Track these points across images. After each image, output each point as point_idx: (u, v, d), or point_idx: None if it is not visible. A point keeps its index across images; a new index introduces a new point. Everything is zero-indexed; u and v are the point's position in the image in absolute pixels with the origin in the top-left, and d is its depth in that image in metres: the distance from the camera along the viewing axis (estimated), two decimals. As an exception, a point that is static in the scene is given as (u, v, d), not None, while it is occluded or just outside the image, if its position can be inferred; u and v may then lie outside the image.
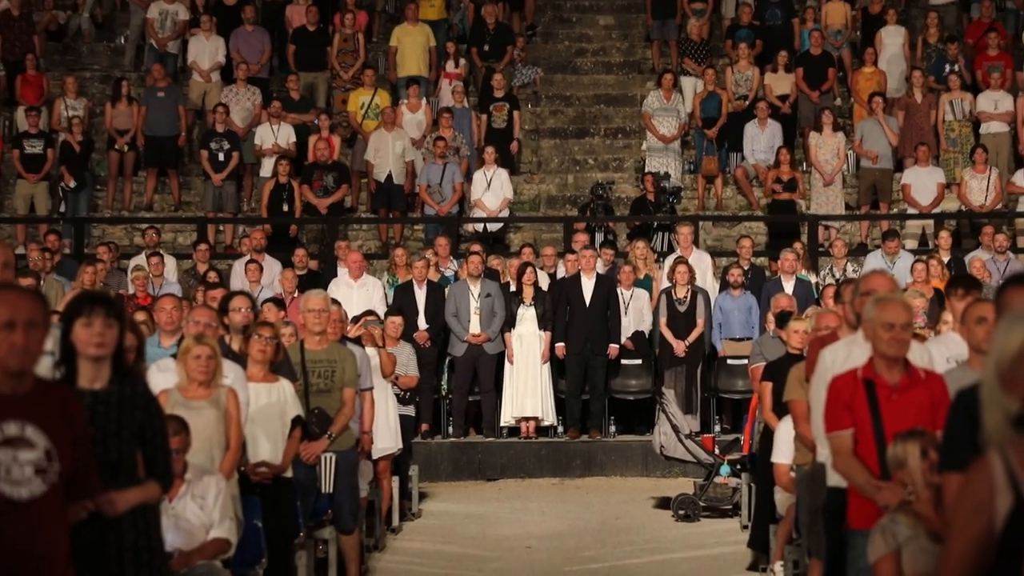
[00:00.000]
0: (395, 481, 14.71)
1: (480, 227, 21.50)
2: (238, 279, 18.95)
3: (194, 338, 9.40)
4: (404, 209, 22.03)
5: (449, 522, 15.61)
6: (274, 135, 22.04)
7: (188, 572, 8.38)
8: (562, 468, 18.10)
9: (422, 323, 18.00)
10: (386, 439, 13.95)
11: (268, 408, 10.22)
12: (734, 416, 18.30)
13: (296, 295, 16.81)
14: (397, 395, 15.02)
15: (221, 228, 22.10)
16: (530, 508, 16.34)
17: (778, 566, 11.45)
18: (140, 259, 19.56)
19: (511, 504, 16.63)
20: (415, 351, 16.17)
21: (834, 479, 8.02)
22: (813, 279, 19.00)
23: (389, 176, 21.75)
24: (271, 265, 19.39)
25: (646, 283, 18.91)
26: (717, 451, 15.92)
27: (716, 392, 18.45)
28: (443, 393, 18.49)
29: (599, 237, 20.86)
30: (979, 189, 21.17)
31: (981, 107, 22.14)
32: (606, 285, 18.31)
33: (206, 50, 23.41)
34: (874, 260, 19.13)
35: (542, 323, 18.12)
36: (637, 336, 18.42)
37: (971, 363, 7.63)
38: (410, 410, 15.65)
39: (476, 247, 19.26)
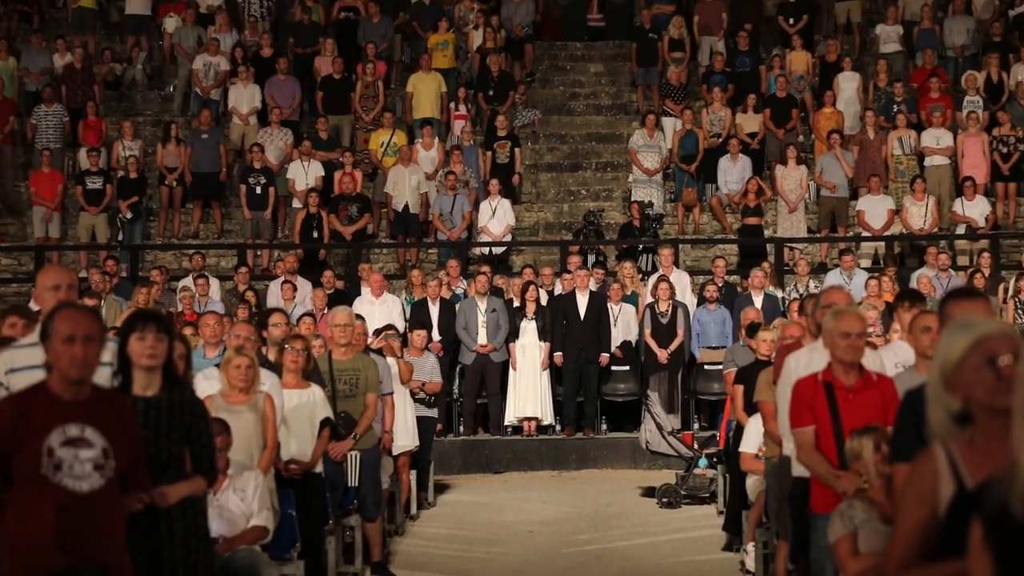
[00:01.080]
0: (413, 474, 14.69)
1: (486, 250, 21.49)
2: (274, 298, 18.96)
3: (235, 350, 9.41)
4: (419, 235, 22.03)
5: (461, 510, 15.58)
6: (304, 171, 22.03)
7: (231, 556, 8.38)
8: (560, 462, 18.07)
9: (436, 335, 17.96)
10: (405, 438, 13.92)
11: (300, 411, 10.21)
12: (711, 415, 18.26)
13: (325, 311, 16.80)
14: (423, 399, 15.02)
15: (259, 253, 22.10)
16: (532, 497, 16.31)
17: (750, 546, 11.44)
18: (188, 281, 19.55)
19: (515, 494, 16.59)
20: (437, 361, 16.18)
21: (798, 470, 8.02)
22: (779, 294, 18.97)
23: (406, 206, 21.75)
24: (303, 285, 19.38)
25: (632, 299, 18.90)
26: (696, 446, 15.91)
27: (695, 394, 18.43)
28: (455, 397, 18.48)
29: (591, 259, 20.85)
30: (918, 215, 21.20)
31: (925, 143, 22.15)
32: (597, 301, 18.30)
33: (244, 96, 23.43)
34: (833, 277, 19.11)
35: (542, 335, 18.10)
36: (625, 345, 18.39)
37: (918, 367, 7.61)
38: (433, 412, 15.65)
39: (483, 268, 19.25)
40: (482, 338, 18.11)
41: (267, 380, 9.53)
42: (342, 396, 11.43)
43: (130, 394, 6.47)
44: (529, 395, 18.10)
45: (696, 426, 18.10)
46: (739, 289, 19.56)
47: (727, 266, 19.91)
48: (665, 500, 15.32)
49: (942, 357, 4.10)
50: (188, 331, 12.64)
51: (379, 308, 17.82)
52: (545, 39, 26.63)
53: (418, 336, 15.55)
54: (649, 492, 15.98)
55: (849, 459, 7.18)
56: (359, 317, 12.50)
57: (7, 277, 21.99)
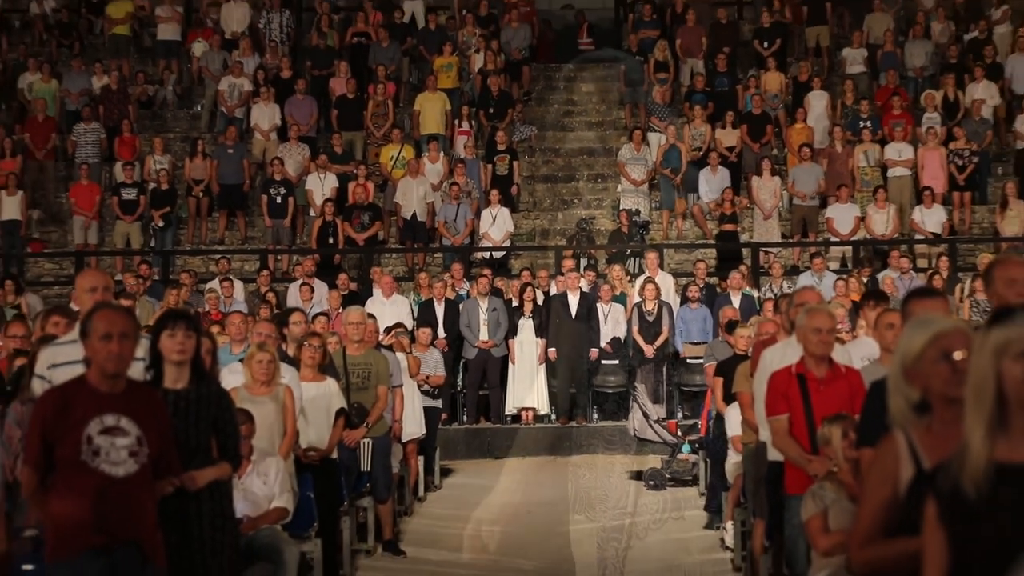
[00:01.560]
0: (421, 460, 14.69)
1: (487, 255, 21.49)
2: (293, 299, 18.95)
3: (258, 346, 9.42)
4: (426, 241, 22.04)
5: (465, 493, 15.57)
6: (321, 183, 22.04)
7: (254, 534, 8.38)
8: (555, 448, 18.05)
9: (441, 332, 17.96)
10: (413, 426, 13.91)
11: (317, 402, 10.22)
12: (693, 405, 18.25)
13: (340, 311, 16.80)
14: (427, 391, 15.01)
15: (279, 258, 22.10)
16: (530, 480, 16.30)
17: (729, 525, 11.45)
18: (214, 283, 19.55)
19: (514, 477, 16.58)
20: (441, 356, 16.17)
21: (773, 454, 8.03)
22: (755, 294, 18.97)
23: (414, 214, 21.76)
24: (320, 287, 19.38)
25: (621, 299, 18.90)
26: (679, 433, 15.89)
27: (678, 386, 18.44)
28: (459, 389, 18.47)
29: (583, 262, 20.86)
30: (881, 221, 21.22)
31: (888, 156, 22.15)
32: (589, 300, 18.29)
33: (266, 115, 23.43)
34: (805, 278, 19.10)
35: (538, 332, 18.10)
36: (614, 341, 18.40)
37: (882, 361, 7.63)
38: (438, 403, 15.64)
39: (484, 271, 19.27)
40: (483, 335, 18.11)
41: (287, 374, 9.54)
42: (355, 388, 11.44)
43: (161, 387, 6.48)
44: (527, 387, 18.11)
45: (680, 415, 18.08)
46: (718, 289, 19.56)
47: (707, 268, 19.93)
48: (651, 483, 15.31)
49: (903, 351, 4.11)
50: (215, 329, 12.64)
51: (389, 308, 17.82)
52: (541, 61, 26.65)
53: (424, 333, 15.57)
54: (637, 475, 15.98)
55: (820, 444, 7.19)
56: (371, 316, 12.50)
57: (49, 280, 22.00)
